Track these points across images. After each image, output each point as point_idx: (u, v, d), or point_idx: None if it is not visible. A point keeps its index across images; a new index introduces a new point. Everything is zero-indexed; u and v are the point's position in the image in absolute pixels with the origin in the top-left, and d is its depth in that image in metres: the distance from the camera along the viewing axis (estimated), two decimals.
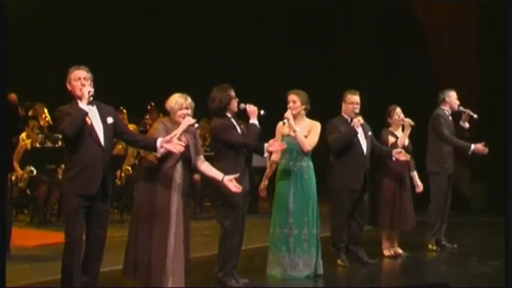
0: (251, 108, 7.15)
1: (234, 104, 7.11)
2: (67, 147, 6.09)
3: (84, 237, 6.12)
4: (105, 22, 14.49)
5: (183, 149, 6.26)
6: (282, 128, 7.63)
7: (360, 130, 8.11)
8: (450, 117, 9.34)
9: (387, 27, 14.35)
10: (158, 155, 6.31)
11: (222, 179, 6.67)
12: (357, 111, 8.10)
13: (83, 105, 5.98)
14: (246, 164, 7.16)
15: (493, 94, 13.16)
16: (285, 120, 7.51)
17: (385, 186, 8.65)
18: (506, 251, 5.47)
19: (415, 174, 8.95)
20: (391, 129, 8.85)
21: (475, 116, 9.32)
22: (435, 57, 13.89)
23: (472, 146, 9.11)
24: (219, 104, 7.07)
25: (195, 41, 14.98)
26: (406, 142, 8.72)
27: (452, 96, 9.36)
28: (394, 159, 8.37)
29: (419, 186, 8.93)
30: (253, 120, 7.12)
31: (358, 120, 8.02)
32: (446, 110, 9.32)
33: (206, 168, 6.78)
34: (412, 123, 8.69)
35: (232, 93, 7.11)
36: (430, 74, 13.50)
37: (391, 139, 8.71)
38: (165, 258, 6.40)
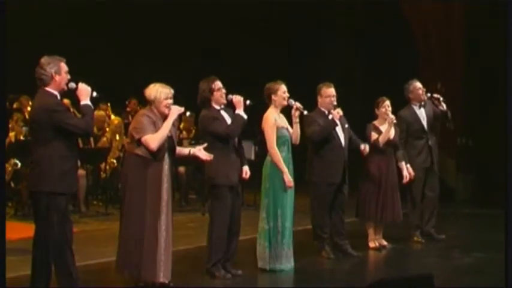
0: (237, 99, 7.15)
1: (219, 95, 7.12)
2: (58, 142, 5.96)
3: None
4: (85, 16, 14.40)
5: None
6: (276, 121, 7.49)
7: (338, 122, 8.13)
8: (421, 109, 9.19)
9: (375, 21, 14.33)
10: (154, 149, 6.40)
11: (189, 152, 6.83)
12: (335, 103, 8.11)
13: (88, 102, 6.10)
14: (238, 157, 7.18)
15: (478, 89, 13.23)
16: (301, 110, 7.56)
17: (371, 178, 8.66)
18: (506, 250, 5.51)
19: (402, 164, 8.95)
20: (376, 122, 8.82)
21: (441, 98, 9.23)
22: (421, 51, 13.91)
23: (402, 164, 8.98)
24: (201, 95, 7.14)
25: (175, 34, 14.92)
26: (392, 135, 8.73)
27: (414, 90, 9.20)
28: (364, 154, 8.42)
29: (405, 176, 8.93)
30: (239, 111, 7.11)
31: (338, 112, 8.01)
32: (414, 104, 9.22)
33: (178, 151, 6.85)
34: (395, 121, 8.71)
35: (216, 84, 7.12)
36: (417, 69, 13.50)
37: (374, 135, 8.70)
38: (156, 251, 6.42)
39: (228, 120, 7.13)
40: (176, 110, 6.56)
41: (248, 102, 7.17)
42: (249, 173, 7.35)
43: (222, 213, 7.07)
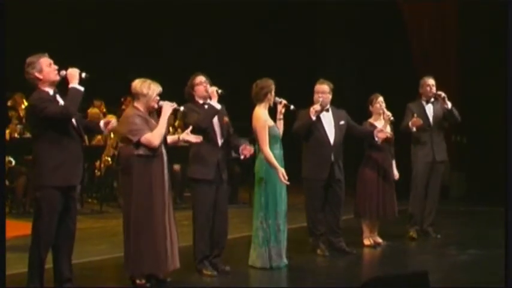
0: (210, 90, 7.16)
1: (200, 89, 7.15)
2: (47, 136, 5.97)
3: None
4: (81, 13, 14.37)
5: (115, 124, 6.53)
6: (267, 119, 7.48)
7: (328, 119, 8.12)
8: (429, 105, 9.25)
9: (369, 18, 14.32)
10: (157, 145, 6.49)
11: (178, 138, 6.89)
12: (321, 100, 8.05)
13: (75, 85, 6.00)
14: (217, 152, 7.16)
15: (472, 86, 13.24)
16: (288, 105, 7.61)
17: (368, 175, 8.66)
18: (506, 249, 5.52)
19: (393, 163, 8.98)
20: (371, 120, 8.83)
21: (443, 95, 9.16)
22: (415, 47, 13.92)
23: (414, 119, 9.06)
24: (186, 91, 7.21)
25: (172, 33, 14.92)
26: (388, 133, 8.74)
27: (423, 85, 9.31)
28: (377, 139, 8.41)
29: (395, 175, 8.94)
30: (213, 102, 7.09)
31: (313, 108, 7.99)
32: (423, 99, 9.30)
33: (170, 140, 6.92)
34: (392, 118, 8.73)
35: (198, 79, 7.17)
36: (411, 65, 13.52)
37: None
38: (166, 243, 6.52)
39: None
40: (169, 106, 6.64)
41: (220, 91, 7.14)
42: (248, 149, 7.31)
43: (201, 208, 7.09)
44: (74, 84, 6.03)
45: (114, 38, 14.56)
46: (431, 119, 9.25)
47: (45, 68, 6.05)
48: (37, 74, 6.03)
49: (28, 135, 10.93)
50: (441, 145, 9.33)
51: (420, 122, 9.03)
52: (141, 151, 6.50)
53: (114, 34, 14.55)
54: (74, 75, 6.05)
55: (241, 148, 7.27)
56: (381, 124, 8.73)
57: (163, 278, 6.65)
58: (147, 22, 14.74)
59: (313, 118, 8.00)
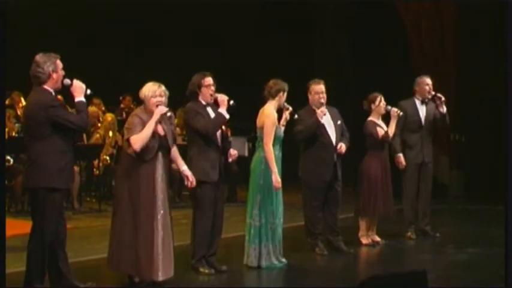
0: (221, 98, 7.12)
1: (207, 92, 7.10)
2: (53, 138, 5.98)
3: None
4: (79, 12, 14.36)
5: None
6: (275, 118, 7.51)
7: (327, 119, 8.10)
8: (422, 105, 9.19)
9: (368, 17, 14.31)
10: (137, 149, 6.37)
11: (181, 170, 6.80)
12: (323, 101, 8.05)
13: (82, 98, 6.14)
14: (219, 153, 7.15)
15: (471, 84, 13.24)
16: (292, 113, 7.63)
17: (369, 175, 8.65)
18: (506, 249, 5.53)
19: (399, 155, 9.00)
20: (373, 119, 8.79)
21: (443, 98, 9.12)
22: (414, 47, 13.91)
23: (399, 155, 9.07)
24: (190, 88, 7.15)
25: (170, 31, 14.91)
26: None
27: (421, 84, 9.21)
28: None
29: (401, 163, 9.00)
30: (222, 110, 7.07)
31: (322, 111, 7.97)
32: (417, 98, 9.24)
33: (174, 155, 6.83)
34: (401, 112, 8.73)
35: (206, 81, 7.11)
36: (409, 63, 13.51)
37: (380, 131, 8.68)
38: (153, 249, 6.41)
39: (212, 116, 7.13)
40: (158, 111, 6.47)
41: (232, 102, 7.14)
42: (236, 153, 7.29)
43: (204, 210, 7.08)
44: (82, 98, 6.14)
45: (113, 37, 14.54)
46: (423, 119, 9.19)
47: (60, 71, 6.09)
48: (52, 73, 6.03)
49: None
50: (429, 146, 9.28)
51: (403, 163, 9.04)
52: (131, 151, 6.46)
53: (113, 33, 14.53)
54: (81, 88, 6.15)
55: (229, 152, 7.24)
56: (382, 122, 8.76)
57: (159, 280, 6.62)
58: (146, 21, 14.72)
59: (322, 121, 7.98)
